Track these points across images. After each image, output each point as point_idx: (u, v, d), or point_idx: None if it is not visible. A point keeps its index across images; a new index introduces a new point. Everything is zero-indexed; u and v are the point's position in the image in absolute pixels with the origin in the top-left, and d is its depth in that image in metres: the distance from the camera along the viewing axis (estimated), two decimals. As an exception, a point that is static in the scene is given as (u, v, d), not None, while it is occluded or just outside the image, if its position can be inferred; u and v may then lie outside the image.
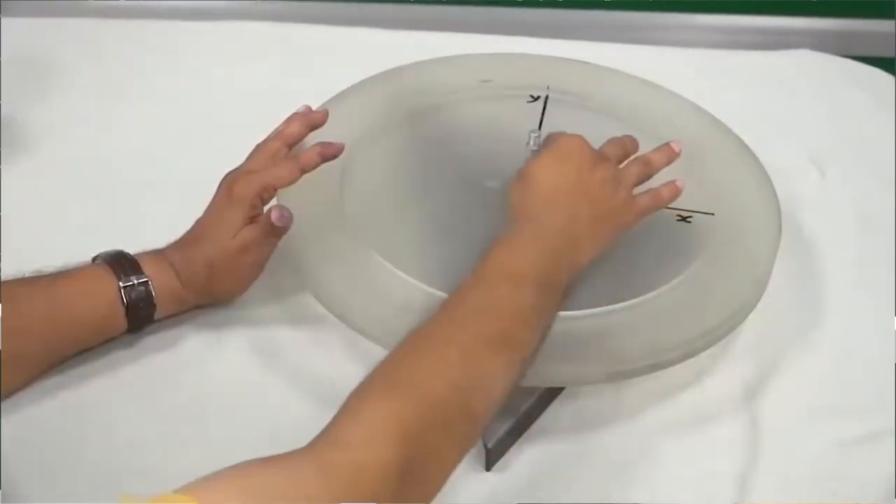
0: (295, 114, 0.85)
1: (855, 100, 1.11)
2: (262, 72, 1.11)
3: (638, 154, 0.84)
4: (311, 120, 0.85)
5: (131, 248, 0.80)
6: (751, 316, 0.82)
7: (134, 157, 1.00)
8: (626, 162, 0.83)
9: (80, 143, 1.01)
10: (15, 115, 1.02)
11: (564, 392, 0.80)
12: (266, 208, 0.80)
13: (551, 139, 0.80)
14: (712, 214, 0.87)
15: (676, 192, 0.82)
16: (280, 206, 0.79)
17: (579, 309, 0.78)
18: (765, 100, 1.11)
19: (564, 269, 0.75)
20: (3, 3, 1.15)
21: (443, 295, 0.78)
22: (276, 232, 0.80)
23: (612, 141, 0.83)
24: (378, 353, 0.78)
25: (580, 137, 0.79)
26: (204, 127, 1.03)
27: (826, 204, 0.98)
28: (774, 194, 0.89)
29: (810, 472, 0.76)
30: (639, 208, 0.80)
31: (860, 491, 0.75)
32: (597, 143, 0.81)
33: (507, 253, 0.73)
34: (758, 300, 0.82)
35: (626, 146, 0.84)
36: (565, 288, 0.75)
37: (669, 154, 0.84)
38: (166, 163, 0.99)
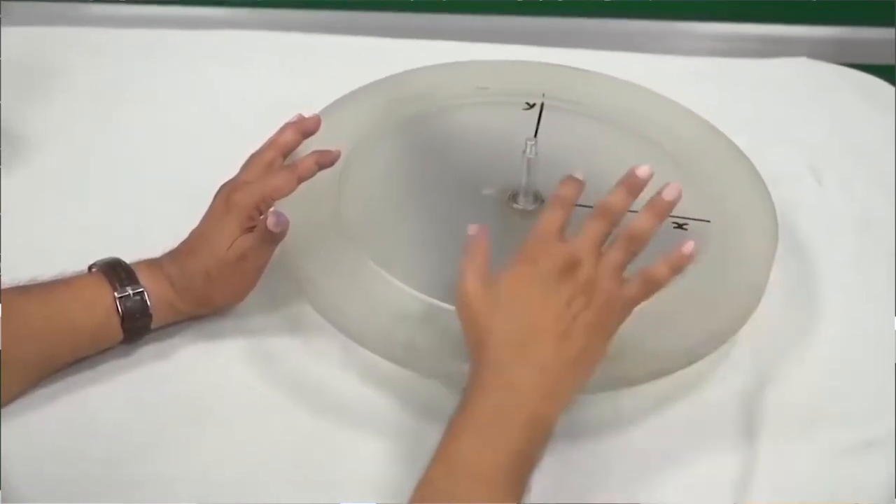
0: (287, 122, 0.85)
1: (851, 107, 1.11)
2: (259, 80, 1.11)
3: (626, 225, 0.71)
4: (304, 127, 0.85)
5: (131, 253, 0.80)
6: (748, 323, 0.82)
7: (132, 164, 1.00)
8: (610, 241, 0.71)
9: (78, 149, 1.01)
10: (15, 122, 1.02)
11: (561, 400, 0.79)
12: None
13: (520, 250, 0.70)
14: (708, 222, 0.86)
15: (677, 264, 0.70)
16: (276, 212, 0.79)
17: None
18: (761, 107, 1.11)
19: (542, 434, 0.67)
20: (3, 11, 1.15)
21: (439, 304, 0.78)
22: (273, 238, 0.79)
23: (594, 215, 0.70)
24: (375, 361, 0.78)
25: (541, 241, 0.69)
26: (202, 135, 1.03)
27: (823, 210, 0.98)
28: (771, 201, 0.89)
29: (808, 479, 0.76)
30: (628, 303, 0.70)
31: (858, 498, 0.75)
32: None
33: (473, 444, 0.65)
34: (755, 307, 0.82)
35: (609, 215, 0.70)
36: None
37: (658, 211, 0.71)
38: (165, 169, 0.99)
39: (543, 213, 0.72)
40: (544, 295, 0.68)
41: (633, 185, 0.72)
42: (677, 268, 0.70)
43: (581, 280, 0.68)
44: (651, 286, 0.70)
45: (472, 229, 0.73)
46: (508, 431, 0.66)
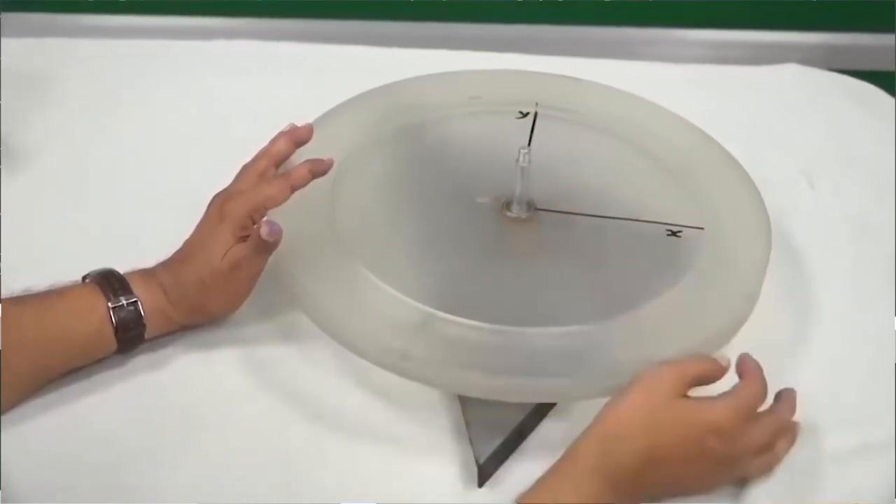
0: (280, 132, 0.85)
1: (842, 112, 1.11)
2: (254, 89, 1.11)
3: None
4: (297, 136, 0.85)
5: (128, 260, 0.80)
6: (742, 330, 0.82)
7: (129, 171, 1.00)
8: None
9: (76, 157, 1.02)
10: (14, 131, 1.02)
11: (556, 407, 0.80)
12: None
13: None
14: (702, 229, 0.87)
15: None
16: (270, 221, 0.79)
17: (571, 324, 0.78)
18: (753, 113, 1.11)
19: None
20: (2, 23, 1.16)
21: (433, 312, 0.78)
22: (266, 247, 0.79)
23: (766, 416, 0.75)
24: (370, 370, 0.78)
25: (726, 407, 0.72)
26: (197, 143, 1.03)
27: (816, 216, 0.98)
28: (764, 207, 0.89)
29: (804, 486, 0.76)
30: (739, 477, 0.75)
31: (858, 499, 0.75)
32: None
33: None
34: (749, 314, 0.82)
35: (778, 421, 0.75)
36: None
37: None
38: (162, 176, 0.99)
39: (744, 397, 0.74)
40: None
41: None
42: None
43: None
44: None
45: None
46: None
